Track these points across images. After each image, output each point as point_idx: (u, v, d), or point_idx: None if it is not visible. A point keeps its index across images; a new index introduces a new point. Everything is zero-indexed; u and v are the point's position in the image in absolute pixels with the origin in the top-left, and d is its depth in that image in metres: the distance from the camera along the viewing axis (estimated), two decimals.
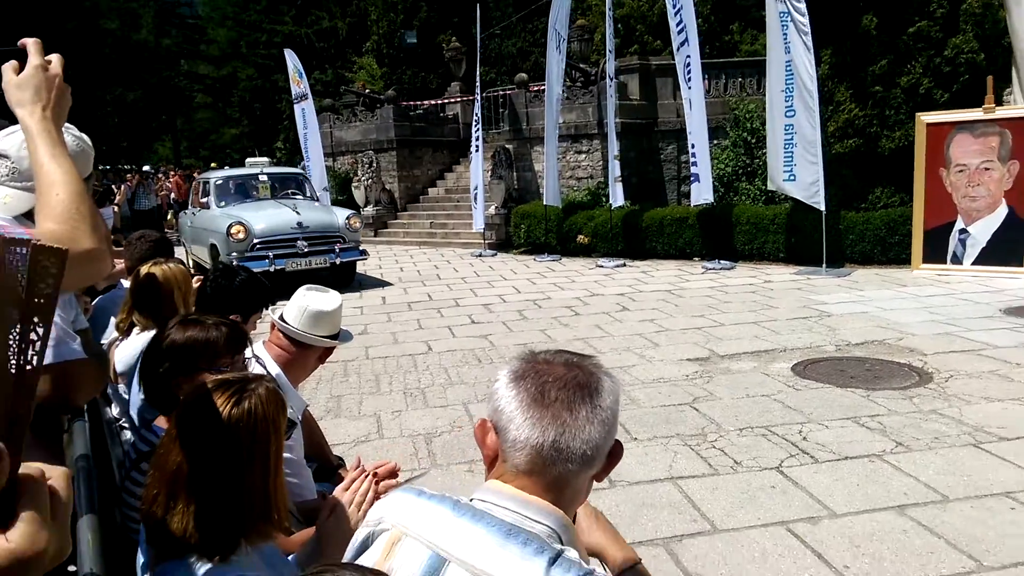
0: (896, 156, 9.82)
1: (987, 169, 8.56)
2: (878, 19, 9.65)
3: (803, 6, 8.92)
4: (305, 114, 15.88)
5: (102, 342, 3.10)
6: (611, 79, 11.55)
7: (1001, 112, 8.59)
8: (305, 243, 9.44)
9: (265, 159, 13.55)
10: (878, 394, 4.79)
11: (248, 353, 2.53)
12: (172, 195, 20.91)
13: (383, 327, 7.62)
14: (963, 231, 8.77)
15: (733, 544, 3.07)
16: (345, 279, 10.14)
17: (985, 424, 4.18)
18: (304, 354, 2.52)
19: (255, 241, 9.22)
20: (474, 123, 14.40)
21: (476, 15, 14.41)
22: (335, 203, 14.99)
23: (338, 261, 9.72)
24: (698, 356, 5.93)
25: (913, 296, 7.76)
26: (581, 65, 14.93)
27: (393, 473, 1.92)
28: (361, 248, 10.32)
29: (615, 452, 1.14)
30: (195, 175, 25.19)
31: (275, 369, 2.48)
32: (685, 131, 10.33)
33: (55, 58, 1.31)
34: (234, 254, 8.96)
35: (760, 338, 6.37)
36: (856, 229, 9.64)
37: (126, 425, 2.83)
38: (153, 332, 2.20)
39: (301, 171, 12.24)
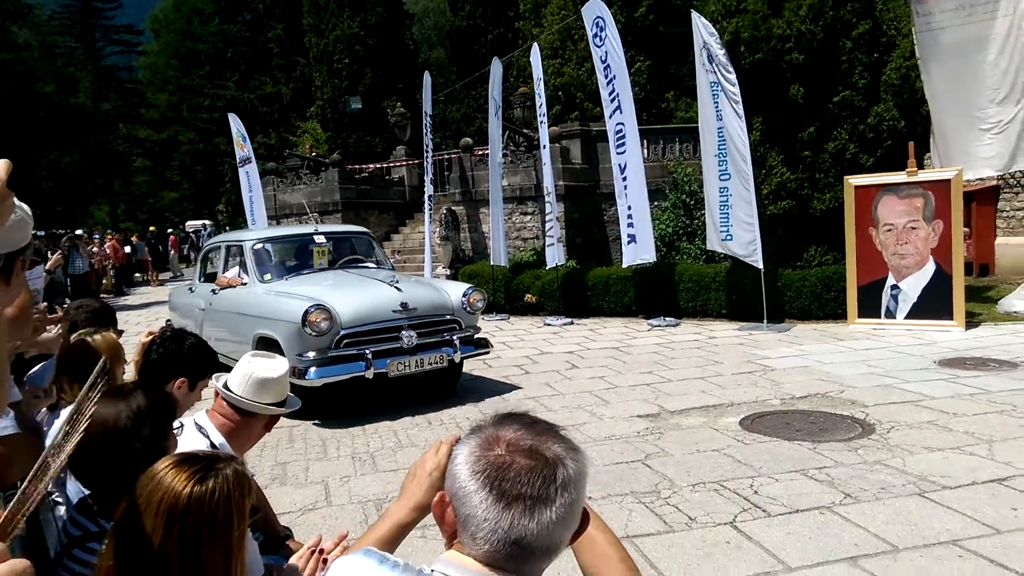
0: (827, 216, 10.23)
1: (914, 228, 8.97)
2: (805, 89, 10.17)
3: (733, 76, 9.35)
4: (249, 177, 15.80)
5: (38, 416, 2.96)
6: (544, 146, 11.86)
7: (923, 175, 9.06)
8: (413, 333, 6.37)
9: (208, 222, 13.34)
10: (824, 446, 4.88)
11: (187, 422, 2.45)
12: (109, 260, 20.36)
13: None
14: (895, 287, 9.12)
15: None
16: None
17: (928, 473, 4.28)
18: (249, 423, 2.46)
19: (342, 332, 6.13)
20: (427, 185, 14.56)
21: (425, 81, 14.68)
22: None
23: (457, 358, 6.60)
24: (648, 412, 5.96)
25: (851, 349, 7.99)
26: (524, 130, 15.30)
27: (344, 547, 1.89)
28: (482, 336, 7.14)
29: (582, 523, 1.14)
30: (133, 239, 24.66)
31: (219, 438, 2.40)
32: (624, 193, 10.51)
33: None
34: (310, 354, 6.03)
35: (708, 393, 6.45)
36: (793, 286, 9.95)
37: (60, 500, 2.69)
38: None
39: (366, 231, 8.86)
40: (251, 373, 2.42)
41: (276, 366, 2.49)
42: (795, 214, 10.53)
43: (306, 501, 4.48)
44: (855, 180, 9.41)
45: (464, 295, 6.87)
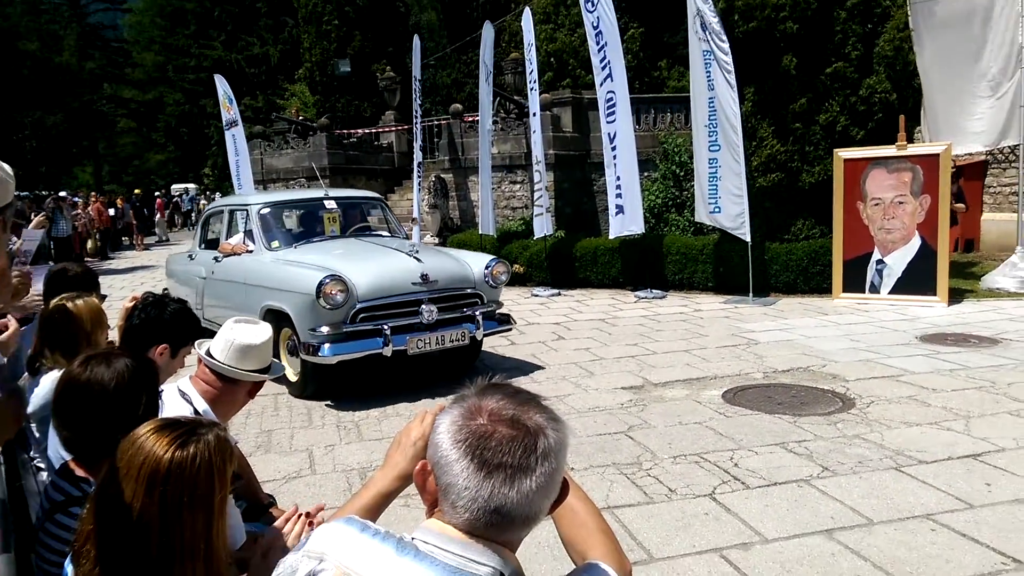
0: (816, 190, 10.23)
1: (901, 203, 8.99)
2: (797, 60, 10.10)
3: (726, 45, 9.26)
4: (236, 141, 15.59)
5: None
6: (534, 114, 11.73)
7: (912, 149, 9.06)
8: (433, 308, 5.88)
9: (193, 186, 13.17)
10: (804, 420, 4.94)
11: (170, 388, 2.45)
12: (93, 223, 20.15)
13: None
14: (880, 262, 9.17)
15: (668, 572, 3.10)
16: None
17: (905, 448, 4.35)
18: (232, 390, 2.46)
19: (358, 306, 5.67)
20: (415, 152, 14.43)
21: (415, 45, 14.49)
22: None
23: (479, 335, 6.21)
24: (632, 384, 6.00)
25: (834, 324, 8.05)
26: (515, 97, 15.14)
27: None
28: (504, 312, 6.66)
29: (562, 493, 1.15)
30: (118, 202, 24.39)
31: (202, 405, 2.40)
32: (613, 163, 10.45)
33: None
34: (323, 329, 5.59)
35: (692, 366, 6.50)
36: (780, 260, 9.98)
37: (42, 465, 2.69)
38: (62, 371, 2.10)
39: (378, 196, 8.36)
40: (233, 339, 2.41)
41: (259, 332, 2.48)
42: (784, 187, 10.52)
43: (290, 469, 4.50)
44: (845, 153, 9.40)
45: (487, 267, 6.35)
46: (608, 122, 10.37)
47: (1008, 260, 9.75)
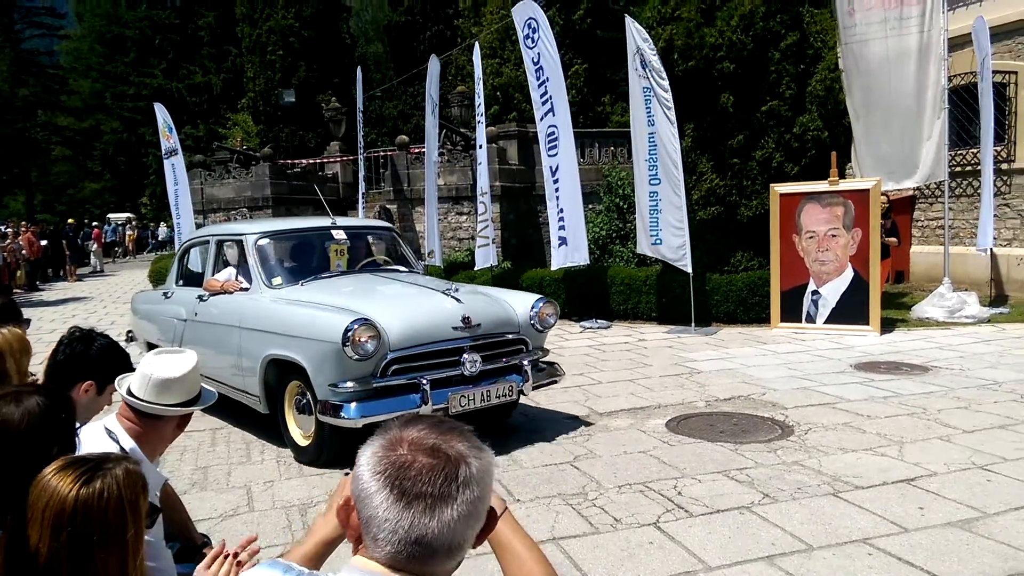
0: (754, 223, 10.52)
1: (834, 236, 9.31)
2: (735, 98, 10.43)
3: (666, 83, 9.52)
4: (175, 170, 15.30)
5: None
6: (481, 146, 11.82)
7: (844, 184, 9.41)
8: (477, 357, 5.00)
9: (129, 215, 12.83)
10: (745, 448, 5.01)
11: (96, 427, 2.35)
12: (23, 253, 19.42)
13: None
14: (815, 292, 9.45)
15: (617, 541, 3.08)
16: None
17: (842, 474, 4.45)
18: (156, 426, 2.36)
19: (390, 356, 4.73)
20: (360, 182, 14.37)
21: (358, 77, 14.50)
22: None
23: (528, 389, 5.35)
24: (578, 414, 6.02)
25: (773, 353, 8.24)
26: (462, 130, 15.27)
27: (254, 551, 1.86)
28: (550, 359, 5.90)
29: (489, 523, 1.14)
30: (46, 231, 23.56)
31: (129, 443, 2.30)
32: (555, 195, 10.50)
33: None
34: (348, 384, 4.65)
35: (636, 395, 6.56)
36: (721, 290, 10.20)
37: None
38: None
39: (389, 225, 7.62)
40: (151, 374, 2.32)
41: (180, 364, 2.37)
42: (723, 220, 10.79)
43: (227, 507, 4.36)
44: (780, 188, 9.70)
45: (533, 309, 5.45)
46: (550, 155, 10.48)
47: (936, 291, 10.16)
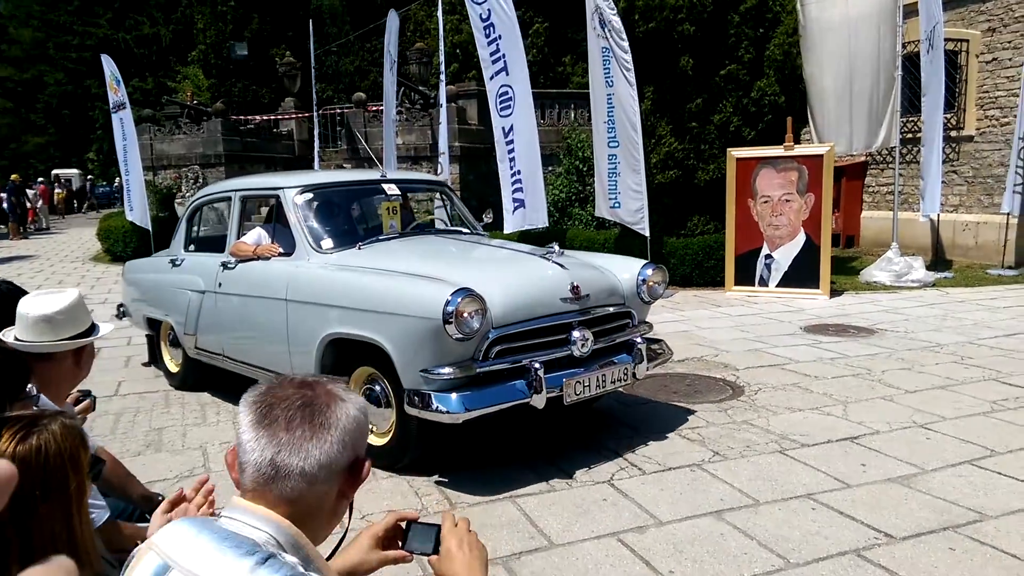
0: (711, 187, 10.64)
1: (788, 201, 9.47)
2: (694, 61, 10.45)
3: (626, 43, 9.43)
4: (124, 124, 14.77)
5: None
6: (442, 105, 11.59)
7: (799, 150, 9.54)
8: (588, 334, 4.20)
9: (75, 171, 12.38)
10: (697, 407, 5.14)
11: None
12: None
13: None
14: (768, 256, 9.63)
15: (568, 558, 3.17)
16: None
17: (789, 432, 4.60)
18: (48, 367, 2.21)
19: (493, 335, 3.91)
20: (316, 140, 14.10)
21: (310, 30, 14.13)
22: (157, 221, 14.07)
23: (642, 371, 4.52)
24: None
25: (727, 315, 8.40)
26: (420, 88, 15.03)
27: (208, 491, 1.86)
28: (655, 337, 5.07)
29: (355, 469, 1.19)
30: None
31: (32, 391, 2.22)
32: (508, 156, 10.16)
33: None
34: (445, 370, 3.81)
35: None
36: (677, 254, 10.33)
37: None
38: None
39: (442, 181, 6.66)
40: (28, 313, 2.20)
41: (58, 299, 2.26)
42: (681, 184, 10.89)
43: (182, 468, 4.33)
44: (737, 153, 9.80)
45: (641, 277, 4.65)
46: (502, 115, 10.04)
47: (884, 255, 10.44)
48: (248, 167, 16.67)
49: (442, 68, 11.70)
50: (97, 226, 16.91)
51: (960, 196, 12.19)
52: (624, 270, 4.72)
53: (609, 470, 4.10)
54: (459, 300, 3.69)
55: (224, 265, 5.24)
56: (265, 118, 18.97)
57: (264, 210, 7.00)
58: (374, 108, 15.04)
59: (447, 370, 3.81)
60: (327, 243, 4.84)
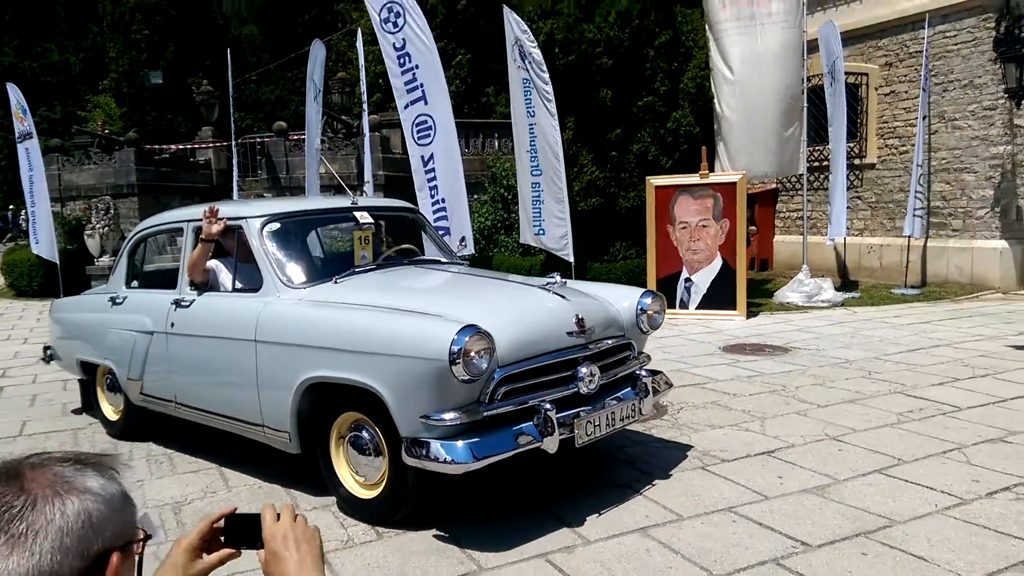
0: (631, 214, 10.93)
1: (705, 226, 9.80)
2: (613, 92, 10.78)
3: (547, 75, 9.64)
4: (30, 155, 14.18)
5: None
6: (365, 134, 11.46)
7: (713, 178, 9.91)
8: (595, 369, 3.95)
9: None
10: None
11: None
12: None
13: None
14: (687, 280, 9.92)
15: None
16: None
17: (710, 449, 4.72)
18: None
19: (497, 374, 3.58)
20: (235, 170, 13.81)
21: (228, 59, 13.91)
22: (65, 254, 13.48)
23: (647, 407, 4.26)
24: None
25: (649, 338, 8.56)
26: (343, 117, 14.97)
27: None
28: (654, 367, 4.84)
29: (100, 567, 0.98)
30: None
31: None
32: (428, 185, 10.06)
33: None
34: (447, 415, 3.45)
35: None
36: (601, 279, 10.49)
37: None
38: None
39: (412, 207, 6.09)
40: None
41: None
42: (603, 211, 11.15)
43: None
44: (655, 180, 10.10)
45: (640, 307, 4.46)
46: (420, 144, 9.86)
47: (795, 277, 10.90)
48: (163, 198, 16.18)
49: (364, 98, 11.68)
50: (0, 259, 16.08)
51: (864, 220, 12.86)
52: (623, 299, 4.53)
53: (540, 491, 4.11)
54: (466, 339, 3.35)
55: (177, 303, 4.75)
56: (181, 147, 18.50)
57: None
58: (296, 137, 14.88)
59: (450, 415, 3.44)
60: (299, 277, 4.40)
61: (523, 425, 3.62)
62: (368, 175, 11.48)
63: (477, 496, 4.05)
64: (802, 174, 11.29)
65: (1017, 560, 3.16)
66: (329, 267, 4.91)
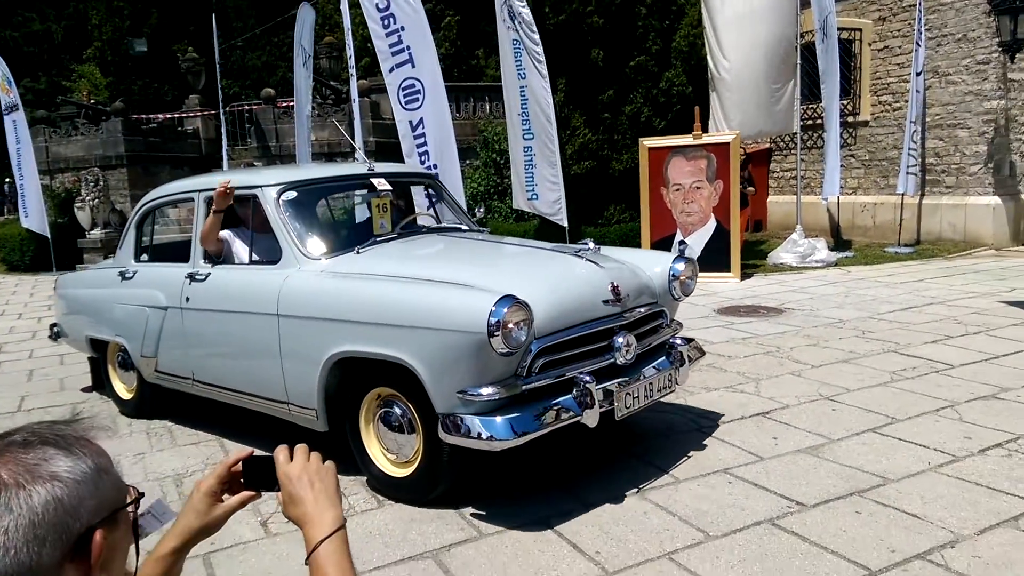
0: (625, 176, 10.87)
1: (698, 188, 9.76)
2: (604, 52, 10.65)
3: (537, 35, 9.48)
4: (17, 127, 14.02)
5: None
6: (354, 100, 11.21)
7: (707, 138, 9.84)
8: (632, 339, 3.79)
9: None
10: None
11: None
12: None
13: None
14: (682, 242, 9.91)
15: (498, 547, 3.20)
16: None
17: (706, 411, 4.76)
18: None
19: (535, 345, 3.43)
20: (223, 138, 13.65)
21: (213, 25, 13.67)
22: (56, 227, 13.39)
23: (683, 377, 4.12)
24: None
25: None
26: (332, 83, 14.77)
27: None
28: (687, 334, 4.62)
29: (82, 549, 0.95)
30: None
31: None
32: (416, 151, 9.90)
33: None
34: (485, 390, 3.31)
35: None
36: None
37: None
38: None
39: (429, 173, 6.22)
40: None
41: None
42: (596, 174, 11.09)
43: None
44: (649, 142, 10.03)
45: (672, 272, 4.24)
46: (408, 109, 9.64)
47: (789, 238, 10.90)
48: (152, 168, 16.03)
49: (352, 63, 11.49)
50: None
51: (858, 179, 12.83)
52: (654, 264, 4.33)
53: (539, 453, 4.15)
54: (504, 309, 3.21)
55: (192, 277, 4.56)
56: (169, 116, 18.26)
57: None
58: (284, 104, 14.70)
59: (488, 390, 3.30)
60: (319, 248, 4.22)
61: (561, 399, 3.50)
62: (358, 141, 11.36)
63: (476, 463, 4.09)
64: (796, 133, 11.22)
65: (1008, 516, 3.21)
66: (348, 236, 4.70)
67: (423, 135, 9.82)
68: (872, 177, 12.63)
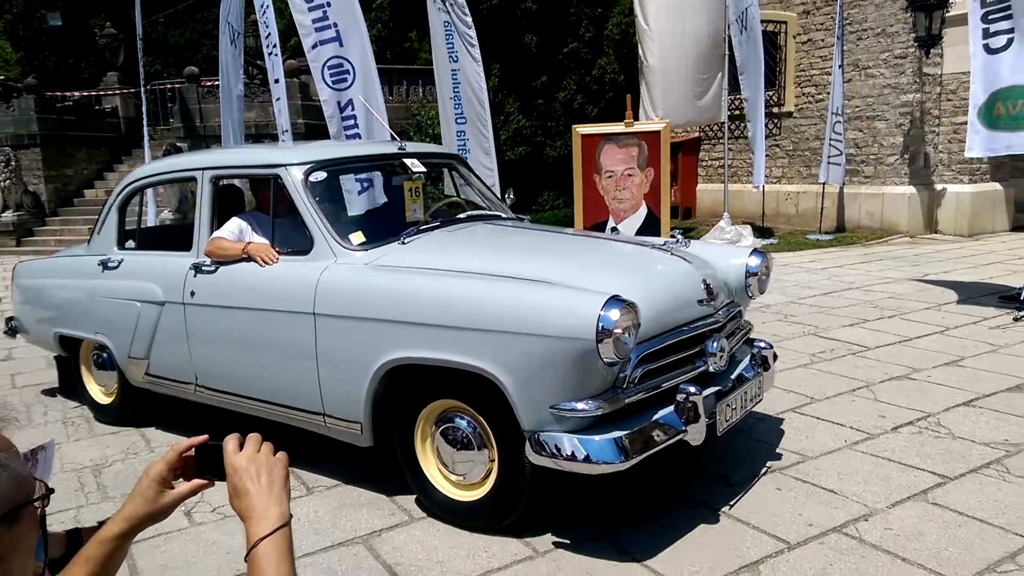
0: (558, 163, 10.95)
1: (630, 175, 9.88)
2: (538, 38, 10.67)
3: (469, 19, 9.39)
4: None
5: None
6: (278, 80, 10.58)
7: (637, 127, 9.97)
8: (726, 344, 3.36)
9: None
10: None
11: None
12: None
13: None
14: (614, 229, 10.03)
15: (429, 531, 3.20)
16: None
17: None
18: None
19: (635, 351, 2.92)
20: (144, 118, 13.08)
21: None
22: None
23: (766, 384, 3.77)
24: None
25: None
26: (259, 62, 14.35)
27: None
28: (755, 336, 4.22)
29: (17, 517, 0.97)
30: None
31: None
32: (345, 133, 9.64)
33: None
34: (584, 404, 2.82)
35: None
36: None
37: None
38: None
39: (456, 154, 5.77)
40: None
41: None
42: (531, 160, 11.13)
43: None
44: (581, 129, 10.10)
45: (750, 269, 3.89)
46: (336, 89, 9.26)
47: (717, 224, 11.16)
48: (68, 148, 15.33)
49: (274, 39, 11.03)
50: None
51: (782, 168, 13.22)
52: (729, 259, 3.96)
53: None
54: (614, 313, 2.76)
55: (197, 268, 3.97)
56: (86, 94, 17.47)
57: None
58: (208, 83, 14.22)
59: (586, 404, 2.83)
60: (357, 237, 3.66)
61: (662, 413, 3.04)
62: (286, 123, 11.04)
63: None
64: (724, 123, 11.48)
65: (918, 490, 3.38)
66: (386, 224, 4.12)
67: (352, 116, 9.53)
68: (796, 167, 13.03)
